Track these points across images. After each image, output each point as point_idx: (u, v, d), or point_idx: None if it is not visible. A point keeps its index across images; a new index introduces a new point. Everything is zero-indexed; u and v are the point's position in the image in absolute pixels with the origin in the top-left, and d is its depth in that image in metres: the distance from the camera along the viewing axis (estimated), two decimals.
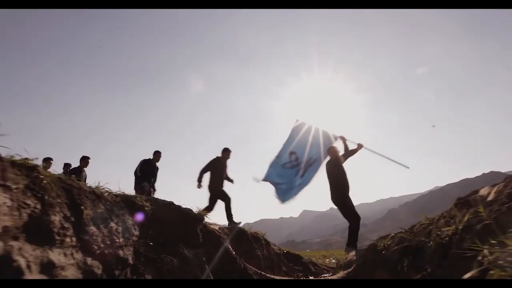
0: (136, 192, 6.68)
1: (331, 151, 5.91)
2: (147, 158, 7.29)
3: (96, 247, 1.90)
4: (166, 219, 3.01)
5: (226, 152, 7.15)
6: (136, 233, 2.53)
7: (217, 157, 7.08)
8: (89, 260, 1.80)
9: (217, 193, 6.92)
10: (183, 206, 3.62)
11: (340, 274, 4.22)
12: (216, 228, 5.44)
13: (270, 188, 6.95)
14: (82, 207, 1.87)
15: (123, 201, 2.81)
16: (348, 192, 5.58)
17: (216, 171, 6.96)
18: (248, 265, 4.74)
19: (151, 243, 2.53)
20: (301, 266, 10.27)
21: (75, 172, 6.90)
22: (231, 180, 7.16)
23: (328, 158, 5.97)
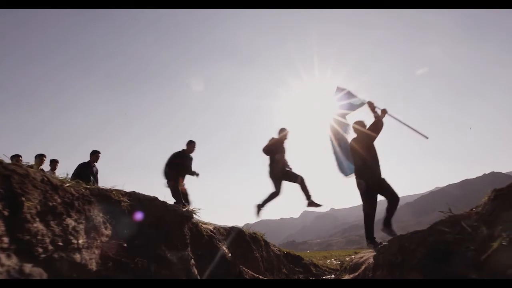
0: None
1: (358, 125, 4.57)
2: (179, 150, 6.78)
3: (40, 250, 1.48)
4: (147, 216, 2.60)
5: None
6: (107, 232, 2.11)
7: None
8: (27, 267, 1.37)
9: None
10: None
11: (349, 278, 3.79)
12: (210, 228, 5.00)
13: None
14: (23, 198, 1.44)
15: (95, 194, 2.40)
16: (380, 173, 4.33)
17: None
18: (244, 268, 4.33)
19: (125, 245, 2.11)
20: (302, 267, 9.82)
21: (86, 167, 6.56)
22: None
23: (352, 135, 4.70)
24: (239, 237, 6.53)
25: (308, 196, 6.20)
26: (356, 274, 4.01)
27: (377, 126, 4.29)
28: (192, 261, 3.18)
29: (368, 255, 4.44)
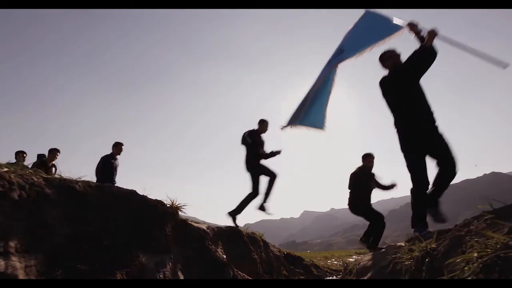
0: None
1: (388, 56, 3.20)
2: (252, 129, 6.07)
3: None
4: (120, 213, 2.17)
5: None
6: (63, 231, 1.69)
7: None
8: None
9: None
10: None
11: None
12: (203, 227, 4.57)
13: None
14: None
15: (54, 185, 1.97)
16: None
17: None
18: (239, 272, 3.90)
19: (86, 247, 1.70)
20: (303, 268, 9.39)
21: (108, 160, 6.24)
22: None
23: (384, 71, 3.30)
24: (236, 237, 6.08)
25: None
26: (365, 278, 3.58)
27: (423, 55, 2.82)
28: (179, 265, 2.76)
29: (377, 257, 4.02)
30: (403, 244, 4.02)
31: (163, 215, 2.42)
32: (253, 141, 5.81)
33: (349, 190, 5.38)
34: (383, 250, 4.60)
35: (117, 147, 6.51)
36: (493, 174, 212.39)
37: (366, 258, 4.32)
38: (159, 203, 2.45)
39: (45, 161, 6.26)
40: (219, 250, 4.00)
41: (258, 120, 6.21)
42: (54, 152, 6.45)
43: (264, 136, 6.23)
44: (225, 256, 4.32)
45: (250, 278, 3.81)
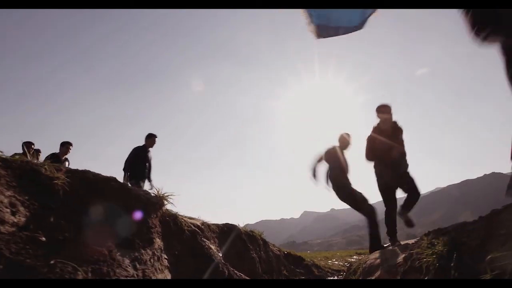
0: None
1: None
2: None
3: None
4: (94, 201, 1.87)
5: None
6: (16, 219, 1.38)
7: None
8: None
9: None
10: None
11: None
12: (197, 223, 4.26)
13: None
14: None
15: (13, 167, 1.67)
16: None
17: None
18: (236, 271, 3.59)
19: (43, 239, 1.39)
20: (304, 268, 9.08)
21: (141, 151, 5.87)
22: None
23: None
24: (233, 235, 5.78)
25: None
26: (373, 277, 3.27)
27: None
28: (165, 262, 2.44)
29: (386, 255, 3.70)
30: (412, 241, 3.71)
31: (146, 206, 2.10)
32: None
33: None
34: (390, 247, 4.28)
35: (151, 139, 6.10)
36: (493, 174, 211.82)
37: (372, 256, 3.99)
38: (142, 192, 2.14)
39: (58, 155, 5.88)
40: (213, 247, 3.69)
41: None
42: (66, 146, 5.97)
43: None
44: (221, 254, 4.01)
45: (247, 278, 3.49)
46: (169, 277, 2.31)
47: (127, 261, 1.62)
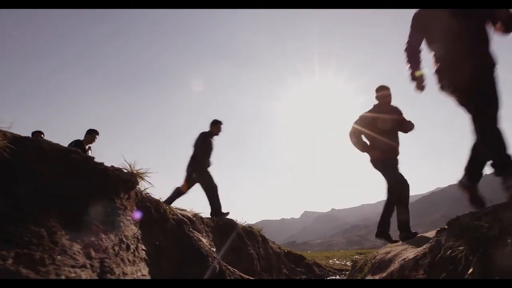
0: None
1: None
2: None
3: None
4: (46, 174, 1.49)
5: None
6: None
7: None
8: None
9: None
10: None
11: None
12: (188, 214, 3.86)
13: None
14: None
15: None
16: None
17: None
18: (230, 268, 3.19)
19: None
20: (304, 267, 8.70)
21: (207, 137, 5.54)
22: None
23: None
24: (229, 229, 5.37)
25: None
26: (385, 274, 2.87)
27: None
28: (142, 253, 2.05)
29: (398, 249, 3.31)
30: (428, 234, 3.31)
31: (114, 183, 1.71)
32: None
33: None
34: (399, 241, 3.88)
35: (216, 126, 5.77)
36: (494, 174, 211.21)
37: (383, 250, 3.59)
38: (111, 168, 1.74)
39: (82, 143, 5.49)
40: (205, 240, 3.29)
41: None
42: (92, 134, 5.55)
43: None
44: (214, 249, 3.61)
45: (242, 275, 3.10)
46: (145, 271, 1.91)
47: (77, 246, 1.22)
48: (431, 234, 3.14)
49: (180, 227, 2.65)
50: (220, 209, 5.66)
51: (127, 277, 1.47)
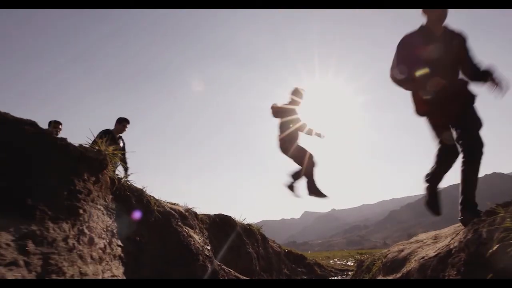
0: None
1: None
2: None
3: None
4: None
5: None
6: None
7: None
8: None
9: None
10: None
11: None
12: (180, 209, 3.52)
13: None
14: None
15: None
16: None
17: None
18: (224, 267, 2.85)
19: None
20: (305, 267, 8.39)
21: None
22: None
23: None
24: (227, 227, 5.04)
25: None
26: (400, 274, 2.53)
27: None
28: (116, 250, 1.72)
29: (412, 246, 2.97)
30: (446, 230, 2.97)
31: (77, 161, 1.37)
32: None
33: None
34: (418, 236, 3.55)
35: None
36: (495, 174, 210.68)
37: (395, 248, 3.24)
38: (74, 145, 1.41)
39: (112, 132, 5.11)
40: (197, 237, 2.95)
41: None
42: (123, 123, 5.16)
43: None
44: (209, 247, 3.27)
45: (238, 276, 2.76)
46: (118, 271, 1.57)
47: (7, 237, 0.90)
48: (443, 232, 2.80)
49: (167, 221, 2.31)
50: None
51: (86, 278, 1.14)
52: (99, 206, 1.56)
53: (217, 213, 5.12)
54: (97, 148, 1.52)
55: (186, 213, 3.47)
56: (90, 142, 1.62)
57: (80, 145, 1.42)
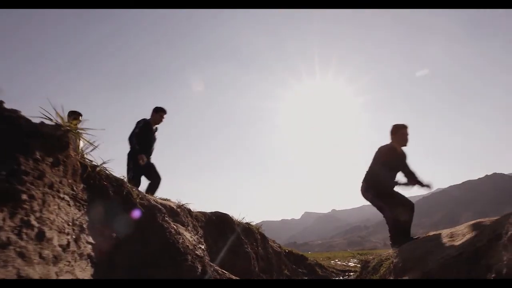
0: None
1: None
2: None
3: None
4: None
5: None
6: None
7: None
8: None
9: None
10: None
11: None
12: (171, 204, 3.25)
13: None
14: None
15: None
16: None
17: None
18: (218, 268, 2.57)
19: None
20: (306, 268, 8.14)
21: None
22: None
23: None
24: (224, 226, 4.76)
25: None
26: (417, 274, 2.25)
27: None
28: (86, 247, 1.44)
29: (427, 245, 2.70)
30: (461, 227, 2.69)
31: (25, 137, 1.10)
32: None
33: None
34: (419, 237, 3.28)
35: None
36: (495, 175, 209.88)
37: (406, 247, 2.97)
38: (24, 117, 1.13)
39: (149, 122, 4.75)
40: (189, 235, 2.66)
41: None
42: (160, 113, 4.75)
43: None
44: (202, 247, 3.00)
45: (233, 277, 2.48)
46: (84, 273, 1.29)
47: None
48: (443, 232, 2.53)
49: (151, 216, 2.03)
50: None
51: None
52: (62, 195, 1.28)
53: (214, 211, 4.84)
54: (55, 122, 1.24)
55: (178, 209, 3.19)
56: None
57: (40, 123, 1.14)
